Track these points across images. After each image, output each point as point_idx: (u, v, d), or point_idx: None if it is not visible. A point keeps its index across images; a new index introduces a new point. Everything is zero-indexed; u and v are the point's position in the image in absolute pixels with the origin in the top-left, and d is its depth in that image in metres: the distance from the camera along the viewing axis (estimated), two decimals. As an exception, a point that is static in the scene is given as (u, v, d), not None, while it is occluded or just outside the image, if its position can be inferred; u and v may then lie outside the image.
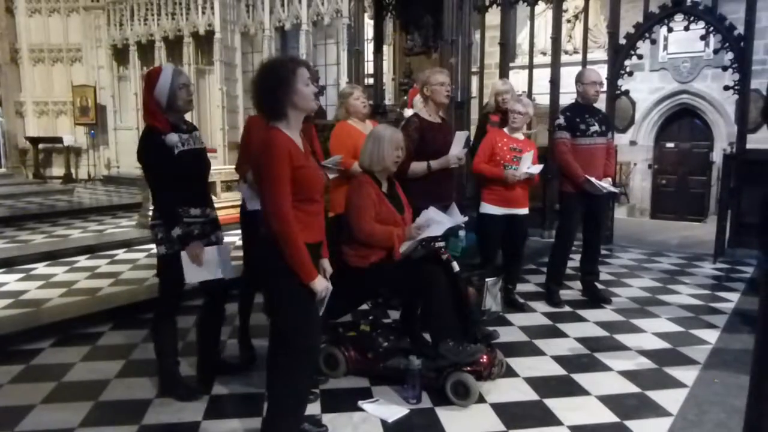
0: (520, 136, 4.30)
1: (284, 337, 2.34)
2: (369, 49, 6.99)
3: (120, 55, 12.50)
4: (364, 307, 3.63)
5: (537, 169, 4.22)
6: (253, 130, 3.21)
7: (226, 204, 6.06)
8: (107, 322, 4.09)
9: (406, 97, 5.05)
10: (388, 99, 6.90)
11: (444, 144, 3.70)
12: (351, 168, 3.72)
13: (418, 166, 3.62)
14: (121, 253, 6.20)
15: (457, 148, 3.69)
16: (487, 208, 4.27)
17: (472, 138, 4.84)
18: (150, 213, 3.43)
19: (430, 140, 3.65)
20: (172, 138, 2.82)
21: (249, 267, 3.38)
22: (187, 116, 3.09)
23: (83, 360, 3.51)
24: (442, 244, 3.16)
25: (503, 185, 4.20)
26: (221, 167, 8.09)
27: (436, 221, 3.13)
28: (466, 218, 3.36)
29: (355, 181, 3.20)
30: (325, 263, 2.49)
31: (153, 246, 3.02)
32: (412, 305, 3.34)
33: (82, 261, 5.86)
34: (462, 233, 3.48)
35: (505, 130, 4.32)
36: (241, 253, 3.53)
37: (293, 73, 2.25)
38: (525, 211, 4.31)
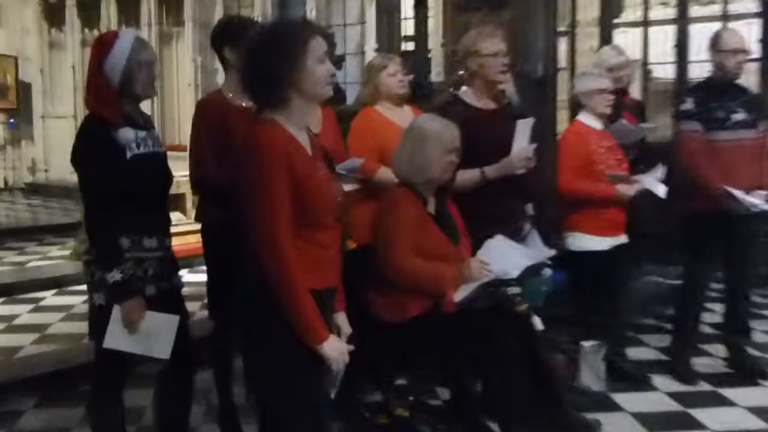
0: (605, 125, 4.30)
1: (273, 428, 2.33)
2: (407, 2, 7.04)
3: (53, 13, 12.83)
4: (401, 382, 3.61)
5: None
6: (214, 118, 3.31)
7: (197, 227, 6.07)
8: (29, 396, 4.13)
9: (462, 72, 5.05)
10: (436, 74, 6.91)
11: (502, 140, 3.67)
12: (377, 177, 3.74)
13: (466, 177, 3.59)
14: (49, 297, 6.28)
15: (522, 144, 3.66)
16: (586, 242, 4.22)
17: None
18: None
19: (480, 136, 3.62)
20: (126, 134, 2.85)
21: (224, 308, 3.40)
22: (144, 103, 3.15)
23: (-7, 454, 3.56)
24: (517, 289, 3.17)
25: (609, 205, 4.17)
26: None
27: (508, 256, 3.15)
28: (553, 251, 3.37)
29: (387, 198, 3.22)
30: (341, 319, 2.48)
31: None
32: (470, 380, 3.34)
33: (-6, 307, 5.97)
34: (546, 273, 3.48)
35: (592, 120, 4.27)
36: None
37: (303, 45, 2.26)
38: (625, 238, 4.28)
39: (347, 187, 3.66)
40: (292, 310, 2.21)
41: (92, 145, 2.85)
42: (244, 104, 3.11)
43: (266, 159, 2.20)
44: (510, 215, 3.65)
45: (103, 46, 2.90)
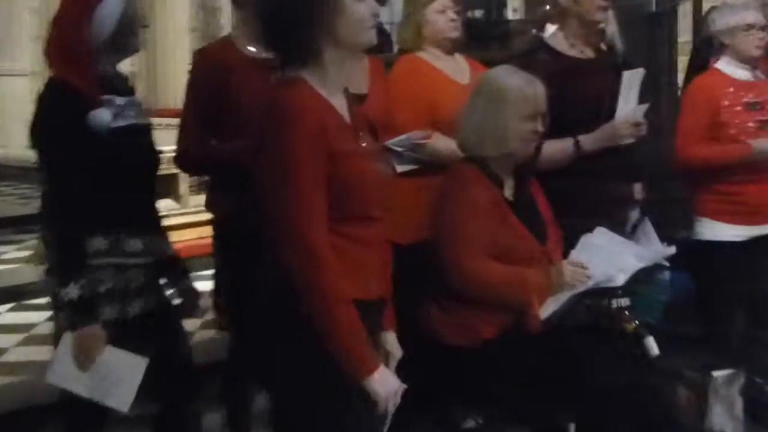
0: (756, 75, 4.23)
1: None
2: None
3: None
4: (470, 424, 3.58)
5: None
6: (214, 73, 3.35)
7: (197, 218, 6.01)
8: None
9: (548, 7, 5.01)
10: (513, 9, 6.88)
11: (602, 99, 3.68)
12: (431, 148, 3.73)
13: (555, 149, 3.59)
14: (4, 313, 6.37)
15: (629, 103, 3.66)
16: (717, 229, 4.20)
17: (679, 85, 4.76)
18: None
19: (574, 95, 3.63)
20: (104, 117, 2.86)
21: (238, 326, 3.44)
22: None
23: None
24: (624, 301, 3.18)
25: (745, 182, 4.13)
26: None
27: (612, 256, 3.16)
28: (673, 248, 3.35)
29: (449, 179, 3.24)
30: (390, 341, 2.52)
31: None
32: (560, 421, 3.32)
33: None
34: (664, 277, 3.50)
35: (733, 67, 4.21)
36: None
37: None
38: None
39: (401, 168, 3.70)
40: (331, 331, 2.23)
41: (59, 118, 2.88)
42: (259, 56, 3.14)
43: (293, 132, 2.22)
44: (614, 200, 3.66)
45: None
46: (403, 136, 3.65)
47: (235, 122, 3.27)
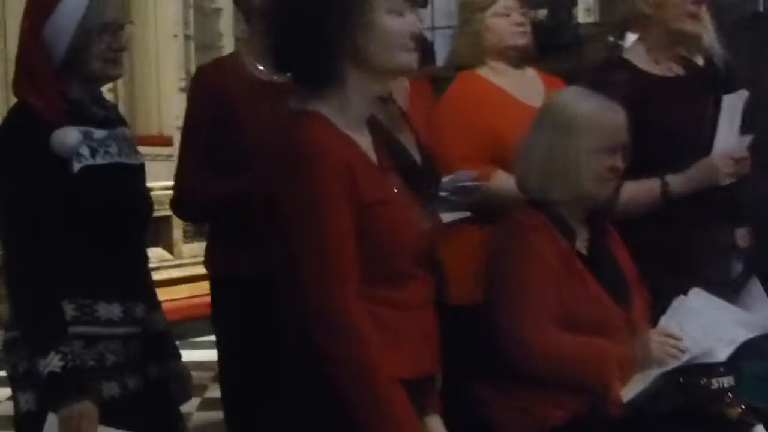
0: None
1: None
2: None
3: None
4: None
5: None
6: (217, 100, 3.38)
7: (193, 271, 6.19)
8: None
9: (628, 12, 5.04)
10: (585, 12, 6.94)
11: (697, 128, 3.69)
12: (494, 187, 3.77)
13: (638, 190, 3.61)
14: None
15: (730, 134, 3.66)
16: None
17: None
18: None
19: (660, 122, 3.63)
20: (65, 137, 2.91)
21: (245, 411, 3.46)
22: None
23: None
24: (728, 380, 3.19)
25: None
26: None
27: (711, 323, 3.14)
28: None
29: (508, 227, 3.26)
30: (435, 428, 2.54)
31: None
32: None
33: None
34: None
35: None
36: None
37: None
38: None
39: (450, 218, 3.70)
40: (377, 421, 2.25)
41: (17, 151, 2.93)
42: (271, 78, 3.16)
43: (313, 174, 2.25)
44: (712, 252, 3.66)
45: None
46: (447, 178, 3.63)
47: (238, 160, 3.28)
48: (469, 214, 3.78)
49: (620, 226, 3.47)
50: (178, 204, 3.60)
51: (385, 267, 2.33)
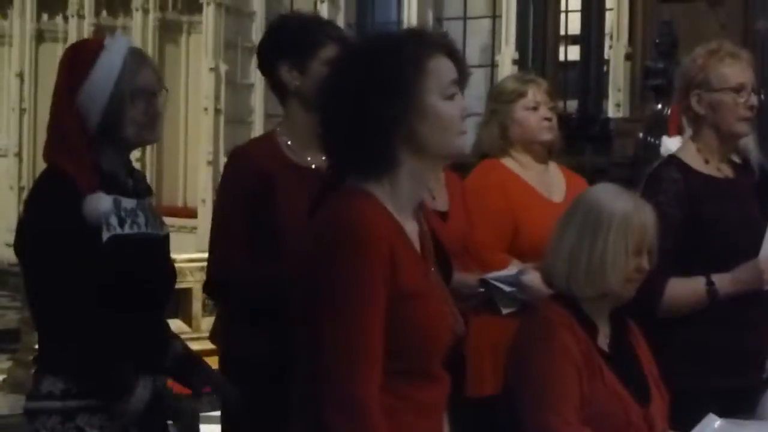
0: None
1: None
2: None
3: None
4: None
5: None
6: (255, 183, 3.38)
7: (209, 345, 6.09)
8: None
9: (662, 108, 5.04)
10: (615, 106, 6.94)
11: (745, 229, 3.69)
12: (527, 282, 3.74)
13: (683, 289, 3.62)
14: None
15: None
16: None
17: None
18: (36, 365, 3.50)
19: (709, 223, 3.65)
20: (99, 204, 2.91)
21: None
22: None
23: None
24: None
25: None
26: (203, 254, 8.18)
27: None
28: None
29: (531, 321, 3.25)
30: None
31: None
32: None
33: None
34: None
35: None
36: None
37: (419, 68, 2.30)
38: None
39: (507, 311, 3.68)
40: None
41: (48, 219, 2.93)
42: (310, 165, 3.21)
43: (356, 251, 2.20)
44: (754, 361, 3.65)
45: (77, 60, 3.03)
46: (506, 272, 3.65)
47: (276, 241, 3.27)
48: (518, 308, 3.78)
49: (662, 323, 3.51)
50: (218, 285, 3.54)
51: (411, 361, 2.28)
